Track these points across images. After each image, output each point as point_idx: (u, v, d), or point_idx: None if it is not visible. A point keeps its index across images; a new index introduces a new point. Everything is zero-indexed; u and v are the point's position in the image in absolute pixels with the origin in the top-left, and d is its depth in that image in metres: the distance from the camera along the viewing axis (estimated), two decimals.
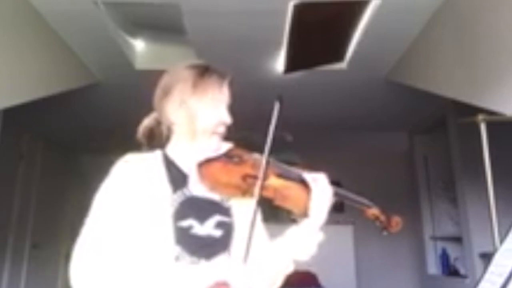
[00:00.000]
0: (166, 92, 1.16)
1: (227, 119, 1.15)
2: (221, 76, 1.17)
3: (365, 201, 1.18)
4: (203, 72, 1.16)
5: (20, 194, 4.86)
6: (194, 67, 1.18)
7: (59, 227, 5.67)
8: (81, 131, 5.26)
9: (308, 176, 1.09)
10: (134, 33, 3.46)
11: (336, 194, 1.12)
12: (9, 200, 4.70)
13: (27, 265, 4.96)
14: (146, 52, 3.62)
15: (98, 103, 4.28)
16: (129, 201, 1.04)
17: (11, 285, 4.66)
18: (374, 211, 1.16)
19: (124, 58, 3.40)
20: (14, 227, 4.73)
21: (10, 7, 2.52)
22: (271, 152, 1.03)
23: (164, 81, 1.19)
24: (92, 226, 1.03)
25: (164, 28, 3.36)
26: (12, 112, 2.87)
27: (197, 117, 1.12)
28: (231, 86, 1.18)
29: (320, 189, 1.07)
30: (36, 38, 2.83)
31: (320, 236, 1.07)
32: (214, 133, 1.14)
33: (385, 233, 1.17)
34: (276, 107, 1.04)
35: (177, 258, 1.01)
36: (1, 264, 4.52)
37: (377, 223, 1.16)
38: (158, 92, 1.18)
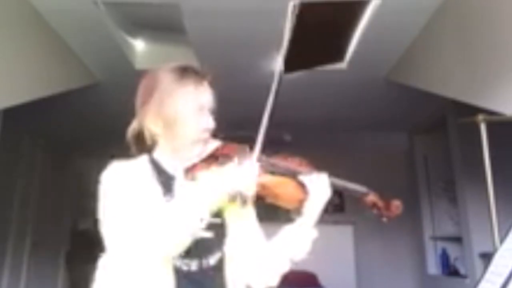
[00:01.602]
0: (144, 102, 1.07)
1: (211, 124, 1.06)
2: (201, 77, 1.07)
3: (362, 188, 1.16)
4: (180, 77, 1.06)
5: (20, 193, 4.85)
6: (171, 70, 1.08)
7: (59, 226, 5.68)
8: (81, 131, 5.26)
9: (306, 178, 1.06)
10: (134, 33, 3.46)
11: (333, 185, 1.09)
12: (9, 199, 4.70)
13: (27, 264, 4.96)
14: (146, 52, 3.62)
15: (98, 103, 4.28)
16: (131, 204, 0.98)
17: (11, 284, 4.66)
18: (371, 197, 1.14)
19: (124, 58, 3.40)
20: (14, 227, 4.73)
21: (10, 7, 2.52)
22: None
23: (141, 88, 1.10)
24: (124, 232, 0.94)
25: (164, 28, 3.36)
26: (12, 112, 2.87)
27: (177, 127, 1.03)
28: (213, 86, 1.09)
29: (318, 191, 1.06)
30: (36, 38, 2.83)
31: (314, 234, 1.07)
32: (198, 141, 1.05)
33: (384, 219, 1.13)
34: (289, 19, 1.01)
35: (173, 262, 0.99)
36: (1, 263, 4.52)
37: (375, 211, 1.13)
38: (137, 99, 1.09)
